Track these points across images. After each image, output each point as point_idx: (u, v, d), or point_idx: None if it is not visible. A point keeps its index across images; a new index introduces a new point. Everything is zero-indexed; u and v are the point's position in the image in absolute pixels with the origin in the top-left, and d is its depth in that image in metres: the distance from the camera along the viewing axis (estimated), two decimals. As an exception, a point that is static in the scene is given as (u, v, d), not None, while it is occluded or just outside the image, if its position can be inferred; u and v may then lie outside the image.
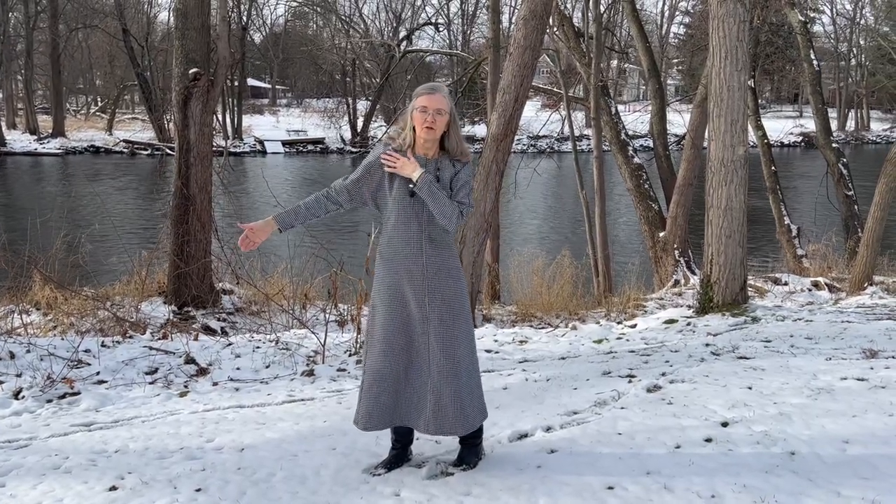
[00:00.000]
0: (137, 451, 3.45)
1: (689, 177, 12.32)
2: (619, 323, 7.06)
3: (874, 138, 49.95)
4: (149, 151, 37.46)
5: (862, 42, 52.76)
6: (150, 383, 5.12)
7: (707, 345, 5.09)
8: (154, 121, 39.09)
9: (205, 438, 3.60)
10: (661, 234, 12.89)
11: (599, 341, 5.90)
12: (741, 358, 4.56)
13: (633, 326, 6.79)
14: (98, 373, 5.29)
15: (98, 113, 49.29)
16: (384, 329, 2.95)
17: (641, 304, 10.88)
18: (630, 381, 4.05)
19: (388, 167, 2.89)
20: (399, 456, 3.08)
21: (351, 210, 3.07)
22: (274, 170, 33.99)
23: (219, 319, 8.83)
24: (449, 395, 2.89)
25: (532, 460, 3.02)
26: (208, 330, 8.20)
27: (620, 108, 14.38)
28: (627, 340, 5.78)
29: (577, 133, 15.30)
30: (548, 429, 3.38)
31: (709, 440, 3.10)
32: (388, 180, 2.93)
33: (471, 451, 3.04)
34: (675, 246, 12.70)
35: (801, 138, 46.36)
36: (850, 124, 52.92)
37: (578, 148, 14.68)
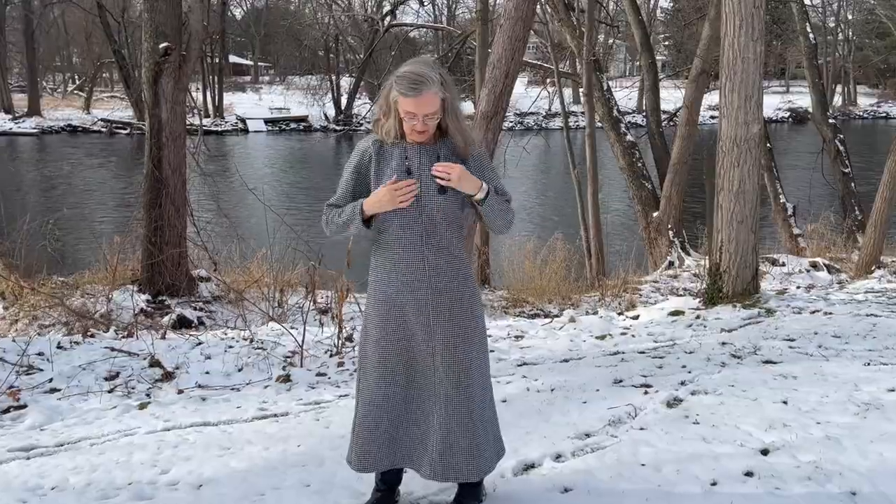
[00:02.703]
0: (78, 488, 2.94)
1: (683, 155, 11.87)
2: (620, 314, 6.60)
3: (861, 114, 49.67)
4: (128, 131, 36.46)
5: (850, 16, 52.28)
6: (109, 391, 4.61)
7: (724, 343, 4.62)
8: (132, 99, 38.00)
9: (159, 469, 3.09)
10: (655, 215, 12.47)
11: (602, 337, 5.44)
12: (767, 362, 4.10)
13: (636, 318, 6.33)
14: (51, 379, 4.77)
15: (76, 91, 48.07)
16: (379, 352, 2.44)
17: (636, 287, 10.51)
18: (646, 393, 3.58)
19: (440, 181, 2.33)
20: (384, 499, 2.58)
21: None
22: (256, 149, 33.25)
23: (195, 309, 8.33)
24: (461, 434, 2.39)
25: (543, 502, 2.54)
26: (183, 321, 7.70)
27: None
28: (633, 336, 5.31)
29: (566, 110, 14.76)
30: (558, 457, 2.90)
31: (749, 474, 2.63)
32: (375, 175, 2.41)
33: (470, 493, 2.55)
34: (670, 226, 12.29)
35: (788, 114, 46.05)
36: (837, 100, 52.59)
37: (567, 125, 14.15)
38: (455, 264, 2.42)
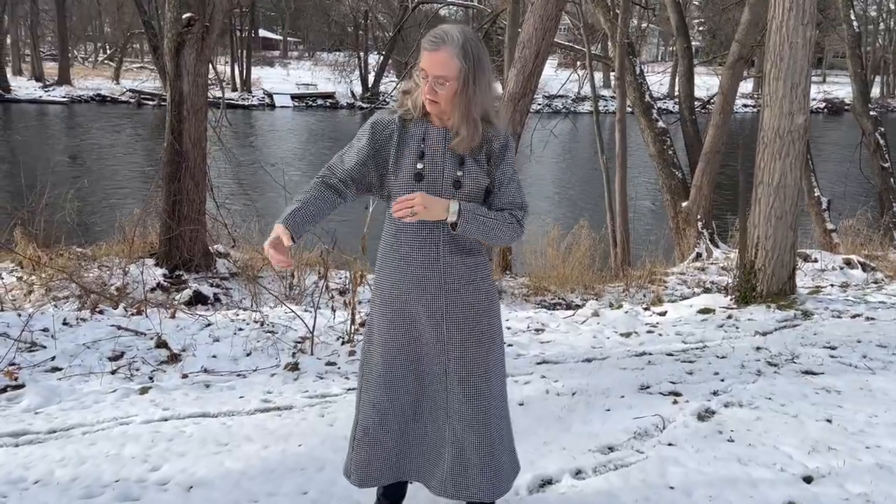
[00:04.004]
0: (62, 483, 2.75)
1: (716, 143, 11.49)
2: (646, 309, 6.31)
3: (901, 106, 48.32)
4: (155, 102, 36.48)
5: (892, 5, 50.73)
6: (112, 372, 4.44)
7: (758, 349, 4.33)
8: (161, 70, 38.02)
9: (149, 465, 2.90)
10: (684, 204, 12.12)
11: (628, 335, 5.16)
12: (807, 373, 3.80)
13: (664, 314, 6.04)
14: (53, 358, 4.61)
15: (106, 61, 48.24)
16: (385, 357, 2.20)
17: (662, 278, 10.22)
18: (675, 402, 3.32)
19: (401, 217, 2.05)
20: (386, 516, 2.36)
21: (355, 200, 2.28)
22: (282, 124, 33.12)
23: (211, 285, 8.20)
24: (475, 450, 2.15)
25: (560, 527, 2.30)
26: (199, 297, 7.57)
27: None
28: (660, 335, 5.03)
29: (596, 94, 14.38)
30: (577, 472, 2.66)
31: (792, 505, 2.37)
32: (396, 156, 2.14)
33: (480, 512, 2.32)
34: (699, 217, 11.95)
35: (823, 104, 44.93)
36: (876, 91, 51.16)
37: (597, 109, 13.79)
38: (472, 264, 2.16)
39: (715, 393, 3.45)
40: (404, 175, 2.11)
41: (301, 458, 2.91)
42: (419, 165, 2.11)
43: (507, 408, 2.31)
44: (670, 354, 4.28)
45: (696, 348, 4.45)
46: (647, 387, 3.59)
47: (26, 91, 36.51)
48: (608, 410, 3.25)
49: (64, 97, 36.27)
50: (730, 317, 5.39)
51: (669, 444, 2.85)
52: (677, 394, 3.45)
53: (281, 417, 3.45)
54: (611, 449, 2.84)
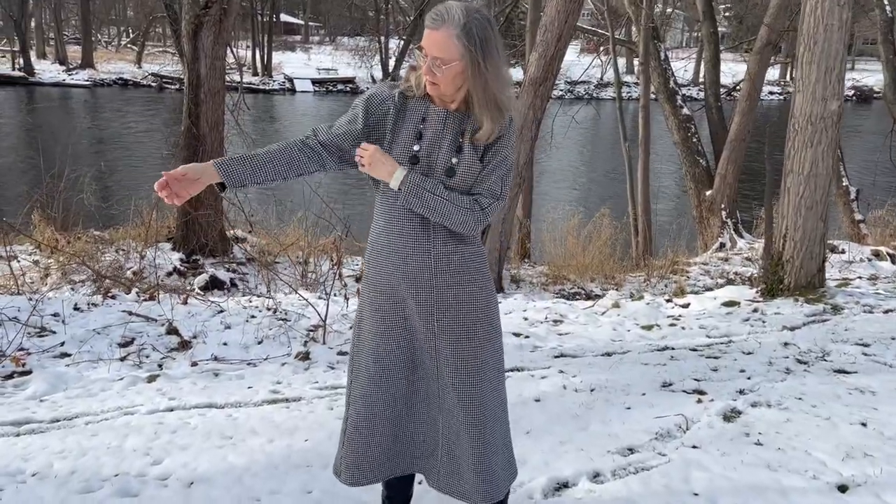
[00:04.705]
0: (60, 476, 2.66)
1: (742, 131, 11.23)
2: (668, 301, 6.13)
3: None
4: (177, 86, 36.54)
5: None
6: (121, 359, 4.37)
7: (786, 344, 4.15)
8: (181, 53, 38.05)
9: (151, 459, 2.80)
10: (708, 193, 11.89)
11: (649, 327, 5.00)
12: (839, 372, 3.63)
13: (687, 306, 5.87)
14: (62, 343, 4.55)
15: (129, 45, 48.43)
16: (376, 348, 2.06)
17: (684, 268, 10.04)
18: (699, 401, 3.16)
19: (359, 163, 1.96)
20: (392, 518, 2.23)
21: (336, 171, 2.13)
22: (302, 109, 33.06)
23: (228, 270, 8.16)
24: (467, 452, 2.02)
25: (576, 535, 2.17)
26: (215, 282, 7.53)
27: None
28: (683, 329, 4.86)
29: (619, 80, 14.13)
30: (595, 476, 2.52)
31: (825, 517, 2.22)
32: (392, 130, 1.99)
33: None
34: (723, 206, 11.70)
35: (853, 92, 44.07)
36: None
37: (620, 95, 13.55)
38: (465, 255, 2.00)
39: (741, 392, 3.29)
40: (398, 156, 1.95)
41: (307, 453, 2.80)
42: (415, 147, 1.96)
43: (505, 408, 2.15)
44: (694, 349, 4.12)
45: (721, 343, 4.28)
46: (670, 384, 3.43)
47: (50, 74, 36.73)
48: (628, 409, 3.10)
49: (87, 81, 36.45)
50: (756, 310, 5.20)
51: (693, 447, 2.70)
52: (701, 392, 3.29)
53: (288, 409, 3.34)
54: (631, 450, 2.70)
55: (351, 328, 5.03)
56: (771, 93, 39.39)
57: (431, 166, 1.96)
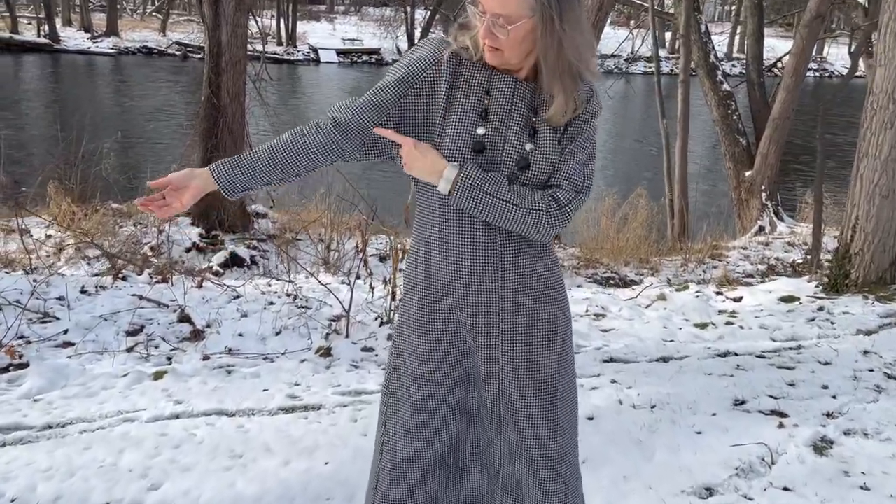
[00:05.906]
0: (42, 503, 2.30)
1: (786, 109, 10.64)
2: (718, 293, 5.67)
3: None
4: (201, 55, 36.25)
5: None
6: (128, 350, 4.02)
7: (866, 353, 3.69)
8: (203, 21, 37.64)
9: (149, 482, 2.43)
10: (748, 174, 11.34)
11: (703, 325, 4.56)
12: (938, 391, 3.18)
13: (739, 300, 5.40)
14: (66, 331, 4.22)
15: (154, 13, 48.10)
16: (419, 385, 1.65)
17: (723, 252, 9.58)
18: (781, 426, 2.73)
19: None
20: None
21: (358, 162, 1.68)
22: (326, 80, 32.58)
23: (248, 247, 7.84)
24: (542, 495, 1.62)
25: None
26: (235, 259, 7.21)
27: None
28: (741, 328, 4.41)
29: (652, 54, 13.53)
30: (669, 523, 2.11)
31: None
32: (446, 105, 1.52)
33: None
34: (763, 188, 11.15)
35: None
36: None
37: (652, 71, 12.96)
38: (538, 266, 1.59)
39: (829, 415, 2.85)
40: (456, 142, 1.50)
41: (327, 481, 2.42)
42: (480, 130, 1.50)
43: (577, 440, 1.74)
44: (761, 356, 3.67)
45: (791, 349, 3.82)
46: (743, 402, 2.99)
47: (75, 42, 36.51)
48: (699, 433, 2.68)
49: (111, 49, 36.20)
50: (821, 308, 4.73)
51: (784, 489, 2.27)
52: (782, 414, 2.86)
53: (307, 421, 2.96)
54: (709, 491, 2.28)
55: (376, 319, 4.64)
56: (811, 70, 38.23)
57: (499, 154, 1.52)
